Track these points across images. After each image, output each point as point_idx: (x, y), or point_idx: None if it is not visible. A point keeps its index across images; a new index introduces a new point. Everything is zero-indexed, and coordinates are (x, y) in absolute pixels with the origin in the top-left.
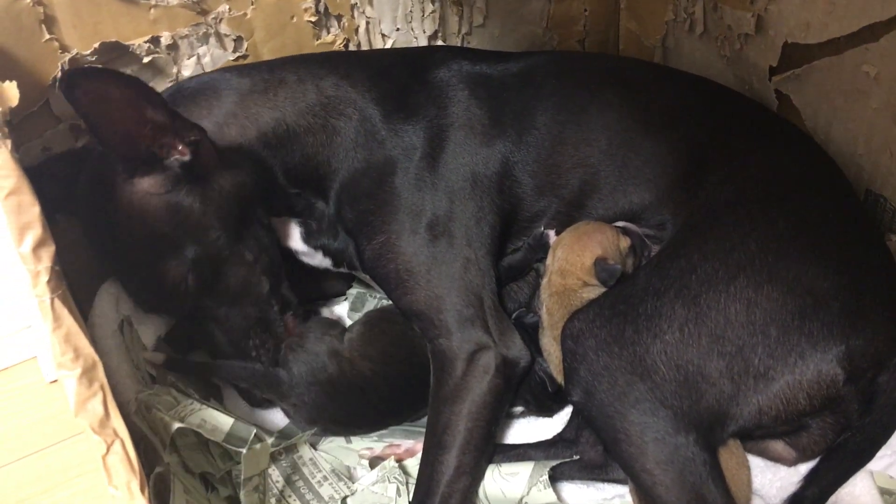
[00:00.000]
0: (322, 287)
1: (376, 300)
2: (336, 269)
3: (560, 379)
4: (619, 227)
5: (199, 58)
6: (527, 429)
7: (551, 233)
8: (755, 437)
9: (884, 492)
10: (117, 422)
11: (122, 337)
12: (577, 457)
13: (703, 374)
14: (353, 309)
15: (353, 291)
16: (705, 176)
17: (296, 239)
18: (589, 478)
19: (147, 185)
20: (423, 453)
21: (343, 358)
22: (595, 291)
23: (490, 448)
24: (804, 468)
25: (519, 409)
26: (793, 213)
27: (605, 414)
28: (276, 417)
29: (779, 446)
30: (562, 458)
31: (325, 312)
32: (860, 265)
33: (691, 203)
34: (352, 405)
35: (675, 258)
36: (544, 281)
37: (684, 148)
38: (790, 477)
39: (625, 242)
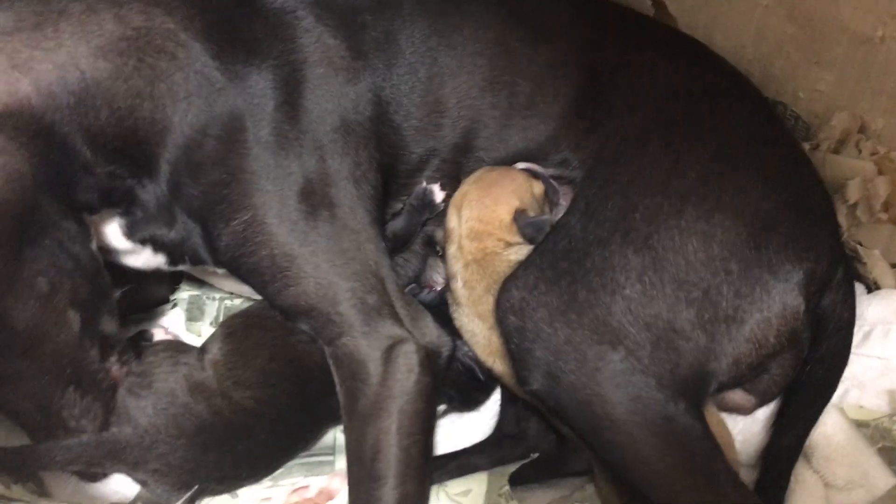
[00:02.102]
0: (139, 294)
1: (217, 302)
2: (171, 269)
3: (490, 363)
4: (521, 169)
5: None
6: (451, 430)
7: (435, 188)
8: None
9: (860, 424)
10: None
11: None
12: (536, 455)
13: (676, 328)
14: (190, 319)
15: (185, 295)
16: (607, 98)
17: (114, 235)
18: (548, 476)
19: None
20: (350, 491)
21: (212, 392)
22: (522, 251)
23: (430, 466)
24: (761, 413)
25: (441, 406)
26: (720, 130)
27: (579, 399)
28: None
29: (737, 395)
30: (514, 460)
31: (157, 332)
32: (794, 178)
33: (597, 131)
34: (238, 452)
35: (608, 197)
36: (451, 249)
37: (577, 67)
38: (751, 426)
39: (538, 187)
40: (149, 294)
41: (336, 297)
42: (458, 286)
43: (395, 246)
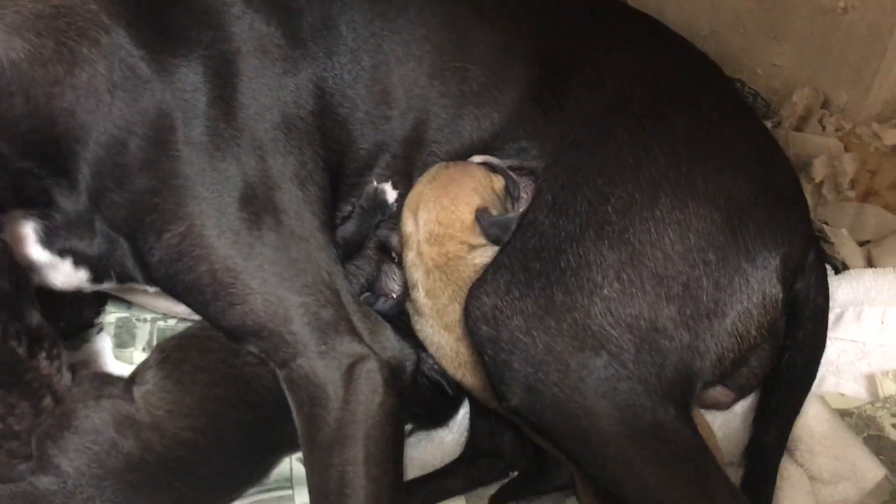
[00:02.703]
0: (59, 317)
1: (148, 324)
2: (93, 287)
3: (459, 376)
4: (478, 163)
5: None
6: (419, 450)
7: (387, 187)
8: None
9: (843, 413)
10: None
11: None
12: (514, 473)
13: (658, 327)
14: (119, 345)
15: (112, 318)
16: (564, 81)
17: (29, 242)
18: (529, 494)
19: None
20: None
21: (142, 425)
22: (488, 253)
23: (402, 494)
24: (739, 407)
25: (406, 426)
26: (686, 111)
27: (563, 414)
28: None
29: (715, 391)
30: (491, 480)
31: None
32: (763, 159)
33: (556, 117)
34: (176, 489)
35: (577, 189)
36: (410, 256)
37: (530, 49)
38: (730, 421)
39: (498, 182)
40: (70, 318)
41: (287, 314)
42: (420, 295)
43: (347, 252)
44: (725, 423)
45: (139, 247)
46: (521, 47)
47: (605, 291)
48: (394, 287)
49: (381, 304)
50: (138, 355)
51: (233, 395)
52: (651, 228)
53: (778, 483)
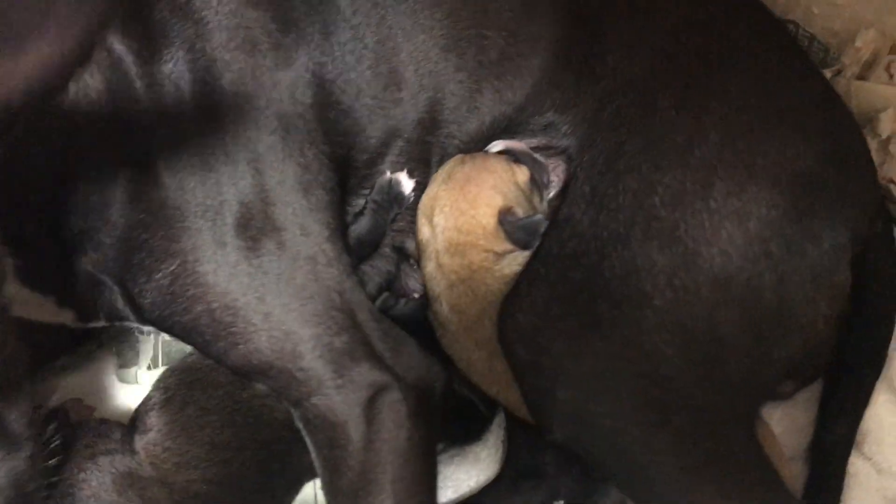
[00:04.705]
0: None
1: (152, 336)
2: (80, 325)
3: (493, 392)
4: (498, 152)
5: None
6: (451, 468)
7: (402, 176)
8: None
9: None
10: None
11: None
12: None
13: (719, 338)
14: (122, 365)
15: (112, 331)
16: (598, 41)
17: (7, 279)
18: None
19: None
20: None
21: (147, 481)
22: (517, 259)
23: None
24: (800, 396)
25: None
26: (739, 70)
27: (617, 447)
28: None
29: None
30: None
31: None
32: (828, 120)
33: (591, 85)
34: None
35: (618, 177)
36: (429, 267)
37: (557, 4)
38: (791, 412)
39: (522, 174)
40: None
41: (297, 349)
42: (444, 310)
43: (362, 252)
44: (786, 415)
45: (128, 288)
46: (547, 2)
47: (657, 302)
48: (416, 287)
49: (402, 306)
50: (143, 374)
51: (245, 436)
52: (705, 221)
53: None
